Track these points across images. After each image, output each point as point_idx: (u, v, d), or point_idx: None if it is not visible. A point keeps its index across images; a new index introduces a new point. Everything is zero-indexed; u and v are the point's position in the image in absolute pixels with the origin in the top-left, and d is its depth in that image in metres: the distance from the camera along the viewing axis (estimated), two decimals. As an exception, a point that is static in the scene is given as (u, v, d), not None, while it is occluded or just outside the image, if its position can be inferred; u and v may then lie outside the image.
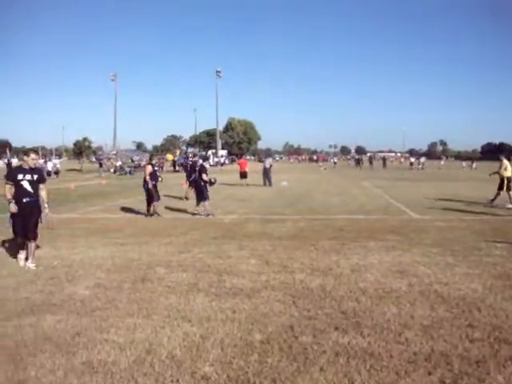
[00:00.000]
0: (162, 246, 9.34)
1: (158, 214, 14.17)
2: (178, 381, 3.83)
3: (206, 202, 14.07)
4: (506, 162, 16.84)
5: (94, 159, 76.84)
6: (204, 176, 14.03)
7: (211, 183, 14.52)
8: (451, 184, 29.00)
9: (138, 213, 14.90)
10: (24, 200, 7.80)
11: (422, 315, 5.35)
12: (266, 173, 27.93)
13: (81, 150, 68.09)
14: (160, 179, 14.97)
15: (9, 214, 7.89)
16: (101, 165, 49.79)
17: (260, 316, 5.33)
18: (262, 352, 4.37)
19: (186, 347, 4.49)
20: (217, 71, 71.25)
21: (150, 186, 14.15)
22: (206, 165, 15.53)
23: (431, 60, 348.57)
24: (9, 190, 7.79)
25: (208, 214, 13.97)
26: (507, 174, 16.56)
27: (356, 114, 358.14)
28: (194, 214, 14.21)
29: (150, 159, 16.02)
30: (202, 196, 14.04)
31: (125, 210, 15.90)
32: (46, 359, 4.25)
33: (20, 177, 7.84)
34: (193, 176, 15.17)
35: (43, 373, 3.98)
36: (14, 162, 63.04)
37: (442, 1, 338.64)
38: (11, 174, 8.02)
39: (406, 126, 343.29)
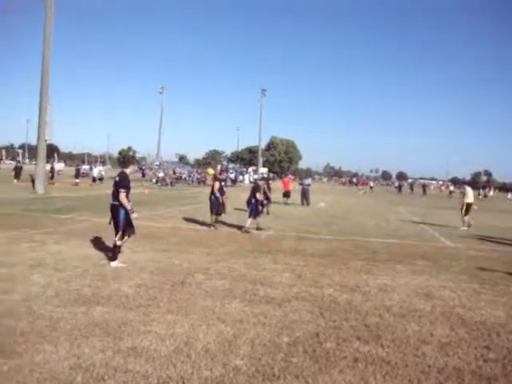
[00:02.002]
0: (201, 255, 9.89)
1: (214, 226, 14.60)
2: (211, 369, 4.33)
3: (251, 219, 14.59)
4: None
5: (137, 169, 78.70)
6: (258, 195, 14.67)
7: (262, 205, 14.97)
8: (491, 215, 28.76)
9: (180, 222, 15.55)
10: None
11: (442, 334, 5.69)
12: (305, 193, 28.34)
13: (125, 159, 70.10)
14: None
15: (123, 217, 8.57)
16: (143, 175, 51.04)
17: (289, 322, 5.79)
18: (288, 352, 4.83)
19: (219, 343, 4.99)
20: (262, 90, 72.36)
21: (220, 199, 14.68)
22: (260, 182, 15.86)
23: (478, 86, 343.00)
24: (125, 198, 8.55)
25: (259, 228, 14.67)
26: None
27: (399, 138, 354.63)
28: (246, 231, 14.34)
29: (219, 174, 16.09)
30: (252, 213, 14.62)
31: (167, 219, 16.57)
32: (96, 341, 4.83)
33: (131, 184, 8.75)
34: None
35: (95, 351, 4.58)
36: (61, 166, 65.41)
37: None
38: (127, 181, 8.72)
39: (450, 153, 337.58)
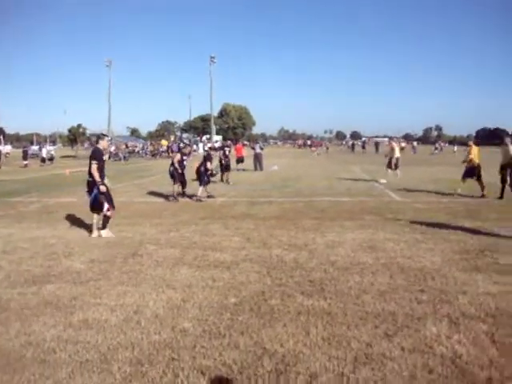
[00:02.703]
0: (153, 227, 10.00)
1: (175, 198, 14.60)
2: (160, 333, 4.52)
3: (202, 188, 14.68)
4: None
5: (88, 146, 77.06)
6: (208, 164, 14.75)
7: (212, 174, 15.07)
8: (440, 168, 29.70)
9: (133, 196, 15.52)
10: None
11: (381, 283, 6.03)
12: (257, 157, 28.58)
13: (75, 136, 68.45)
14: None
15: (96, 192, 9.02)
16: (93, 151, 50.05)
17: (236, 284, 6.02)
18: (235, 312, 5.06)
19: (168, 308, 5.18)
20: (211, 57, 71.22)
21: (179, 171, 14.75)
22: (215, 152, 15.86)
23: (427, 45, 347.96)
24: (97, 170, 9.00)
25: (210, 196, 14.96)
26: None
27: (352, 99, 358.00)
28: (199, 200, 14.46)
29: (183, 148, 16.29)
30: (203, 181, 14.70)
31: (120, 193, 16.46)
32: (47, 318, 4.93)
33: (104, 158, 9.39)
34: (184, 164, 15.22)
35: (46, 328, 4.68)
36: (8, 148, 63.29)
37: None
38: (99, 154, 9.31)
39: (401, 111, 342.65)
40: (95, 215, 9.27)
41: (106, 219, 9.09)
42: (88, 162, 9.25)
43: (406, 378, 3.64)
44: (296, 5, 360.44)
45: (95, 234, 9.11)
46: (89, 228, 9.63)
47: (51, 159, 43.08)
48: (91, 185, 9.12)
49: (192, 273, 6.52)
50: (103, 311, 5.12)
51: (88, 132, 75.23)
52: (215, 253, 7.63)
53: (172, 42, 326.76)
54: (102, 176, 9.10)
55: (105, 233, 9.03)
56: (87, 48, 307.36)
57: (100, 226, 9.20)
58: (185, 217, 11.34)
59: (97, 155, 9.21)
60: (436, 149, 69.83)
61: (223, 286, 5.95)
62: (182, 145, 23.12)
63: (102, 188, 9.04)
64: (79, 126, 70.07)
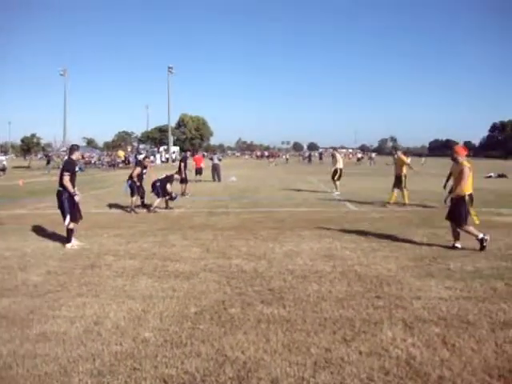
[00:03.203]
0: (111, 238, 9.91)
1: (133, 210, 14.45)
2: (121, 343, 4.51)
3: (159, 199, 14.60)
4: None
5: (42, 156, 75.34)
6: (168, 186, 14.70)
7: (171, 198, 14.95)
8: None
9: (90, 207, 15.28)
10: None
11: (339, 290, 6.18)
12: (215, 168, 28.60)
13: (29, 146, 66.85)
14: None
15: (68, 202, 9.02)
16: (48, 161, 48.92)
17: (196, 293, 6.05)
18: (195, 321, 5.10)
19: (129, 319, 5.17)
20: (169, 67, 71.20)
21: (137, 184, 14.65)
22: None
23: (382, 58, 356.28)
24: (69, 181, 9.01)
25: (168, 207, 15.02)
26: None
27: (309, 110, 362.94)
28: (154, 211, 14.37)
29: (142, 160, 16.20)
30: (159, 193, 14.58)
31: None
32: (2, 332, 4.84)
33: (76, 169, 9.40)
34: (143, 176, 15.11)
35: (1, 342, 4.59)
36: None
37: None
38: (71, 165, 9.38)
39: (357, 122, 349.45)
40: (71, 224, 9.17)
41: (70, 232, 9.02)
42: (59, 173, 9.32)
43: (364, 380, 3.76)
44: (254, 14, 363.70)
45: (73, 243, 9.10)
46: (53, 239, 9.61)
47: (3, 169, 41.85)
48: (60, 195, 9.10)
49: (152, 283, 6.52)
50: (62, 323, 5.06)
51: (42, 142, 73.82)
52: (175, 263, 7.63)
53: (129, 51, 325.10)
54: (73, 187, 9.12)
55: (69, 246, 8.94)
56: (42, 56, 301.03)
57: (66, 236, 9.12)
58: (143, 228, 11.27)
59: (69, 167, 9.23)
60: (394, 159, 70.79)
61: (183, 295, 5.97)
62: (141, 156, 22.88)
63: (77, 198, 9.14)
64: (33, 135, 68.47)
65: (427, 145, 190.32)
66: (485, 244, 8.45)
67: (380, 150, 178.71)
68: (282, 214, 13.36)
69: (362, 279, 6.68)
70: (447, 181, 9.56)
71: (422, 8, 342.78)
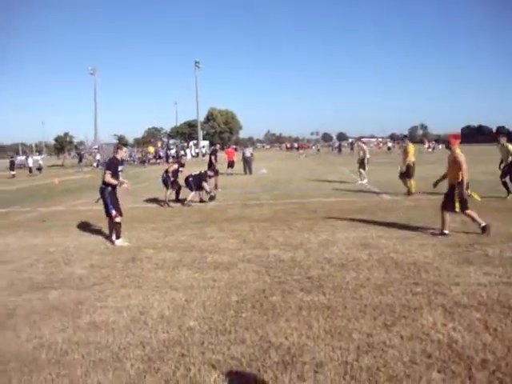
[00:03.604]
0: (149, 231, 10.15)
1: (168, 204, 14.68)
2: (167, 332, 4.69)
3: (193, 193, 14.89)
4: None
5: (75, 154, 76.71)
6: (206, 185, 15.19)
7: (211, 197, 15.21)
8: (428, 166, 30.04)
9: (125, 202, 15.56)
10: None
11: (377, 277, 6.24)
12: (247, 161, 28.74)
13: (62, 145, 68.14)
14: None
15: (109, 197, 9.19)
16: (80, 159, 49.82)
17: (237, 283, 6.20)
18: (238, 309, 5.24)
19: (173, 309, 5.35)
20: (195, 62, 71.51)
21: (171, 179, 14.94)
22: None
23: (411, 46, 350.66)
24: (111, 178, 9.20)
25: (202, 201, 15.31)
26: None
27: (338, 100, 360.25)
28: (188, 204, 14.65)
29: (179, 158, 16.52)
30: (192, 187, 14.95)
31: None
32: (55, 322, 5.09)
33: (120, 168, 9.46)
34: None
35: (56, 331, 4.84)
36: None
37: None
38: (114, 164, 9.42)
39: (386, 110, 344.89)
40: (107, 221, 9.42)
41: (118, 227, 9.09)
42: (103, 171, 9.49)
43: (407, 363, 3.84)
44: (284, 8, 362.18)
45: (118, 241, 9.09)
46: (93, 234, 9.90)
47: (39, 169, 42.91)
48: (102, 191, 9.20)
49: (192, 274, 6.69)
50: (110, 313, 5.27)
51: (75, 141, 75.14)
52: (213, 255, 7.79)
53: (157, 47, 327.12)
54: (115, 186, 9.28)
55: (119, 242, 8.99)
56: (70, 56, 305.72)
57: (113, 235, 9.21)
58: (178, 221, 11.47)
59: (111, 165, 9.36)
60: (429, 147, 69.84)
61: (224, 285, 6.12)
62: (172, 152, 23.16)
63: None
64: (66, 134, 69.77)
65: (459, 131, 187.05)
66: (486, 230, 8.59)
67: (411, 137, 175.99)
68: (314, 205, 13.41)
69: (400, 266, 6.72)
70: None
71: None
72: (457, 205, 8.71)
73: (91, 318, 5.14)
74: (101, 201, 9.33)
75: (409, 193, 14.88)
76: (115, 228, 9.09)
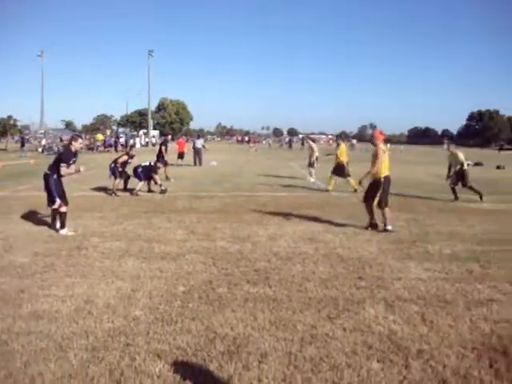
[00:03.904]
0: (95, 220, 9.97)
1: (116, 193, 14.44)
2: (112, 321, 4.64)
3: (141, 183, 14.76)
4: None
5: (19, 138, 74.15)
6: (157, 178, 15.18)
7: (162, 191, 14.95)
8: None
9: (71, 190, 15.20)
10: None
11: (322, 271, 6.38)
12: (197, 153, 28.60)
13: (5, 128, 65.71)
14: None
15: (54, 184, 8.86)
16: (23, 144, 48.11)
17: (184, 273, 6.20)
18: (184, 300, 5.25)
19: (119, 298, 5.29)
20: (149, 51, 70.51)
21: (119, 169, 14.80)
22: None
23: (361, 43, 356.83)
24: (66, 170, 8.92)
25: (150, 191, 15.18)
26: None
27: (289, 96, 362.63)
28: (136, 194, 14.51)
29: (130, 150, 16.13)
30: (141, 177, 14.86)
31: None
32: (-5, 311, 4.92)
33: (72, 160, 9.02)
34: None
35: (-6, 320, 4.68)
36: None
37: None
38: (67, 156, 9.03)
39: (337, 109, 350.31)
40: (49, 209, 9.13)
41: (64, 216, 8.81)
42: (54, 159, 9.21)
43: (349, 354, 3.96)
44: None
45: (63, 231, 8.80)
46: (37, 222, 9.66)
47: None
48: (47, 178, 8.86)
49: (139, 264, 6.64)
50: (53, 302, 5.16)
51: (19, 124, 72.64)
52: (160, 245, 7.75)
53: (109, 33, 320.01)
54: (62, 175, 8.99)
55: (64, 231, 8.71)
56: (18, 37, 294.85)
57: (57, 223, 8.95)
58: (126, 211, 11.32)
59: (64, 157, 8.97)
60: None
61: (171, 276, 6.11)
62: (122, 140, 22.76)
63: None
64: (9, 117, 67.31)
65: (406, 132, 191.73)
66: (387, 228, 9.01)
67: (360, 136, 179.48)
68: (264, 199, 13.52)
69: (345, 261, 6.89)
70: None
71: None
72: (376, 199, 9.18)
73: (33, 307, 5.01)
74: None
75: (355, 190, 15.19)
76: (60, 217, 8.85)
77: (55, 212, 8.97)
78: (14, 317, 4.76)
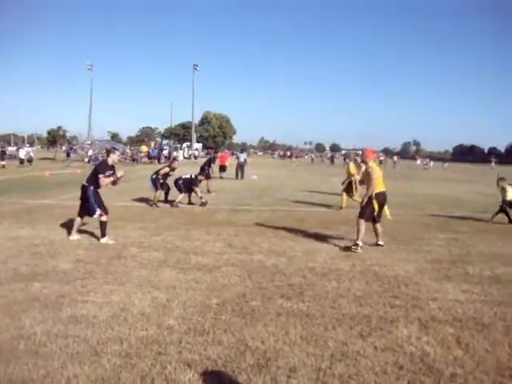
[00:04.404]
0: (135, 230, 10.19)
1: (156, 204, 14.69)
2: (146, 329, 4.75)
3: (182, 195, 14.99)
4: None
5: (67, 148, 76.37)
6: (197, 190, 15.31)
7: (202, 203, 15.09)
8: (418, 183, 30.33)
9: (113, 199, 15.58)
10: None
11: (357, 288, 6.34)
12: (240, 167, 28.85)
13: (55, 138, 67.77)
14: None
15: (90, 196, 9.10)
16: (68, 154, 49.34)
17: (218, 286, 6.27)
18: (218, 311, 5.32)
19: (154, 307, 5.41)
20: (194, 65, 71.61)
21: (160, 181, 15.01)
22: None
23: (406, 60, 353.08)
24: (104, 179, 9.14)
25: (191, 203, 15.37)
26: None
27: (333, 112, 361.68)
28: (176, 205, 14.73)
29: (172, 162, 16.39)
30: (181, 189, 15.15)
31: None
32: (36, 313, 5.12)
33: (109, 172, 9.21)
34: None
35: (36, 322, 4.87)
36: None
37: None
38: (103, 168, 9.27)
39: (380, 124, 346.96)
40: (78, 219, 9.34)
41: (104, 226, 9.00)
42: (92, 170, 9.41)
43: (378, 373, 3.93)
44: (282, 16, 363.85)
45: (75, 237, 9.15)
46: (80, 229, 9.79)
47: (30, 161, 42.56)
48: (85, 189, 9.10)
49: (175, 274, 6.76)
50: (91, 308, 5.32)
51: (68, 135, 74.85)
52: (197, 256, 7.86)
53: (156, 47, 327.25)
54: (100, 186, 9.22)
55: (105, 240, 8.90)
56: (68, 50, 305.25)
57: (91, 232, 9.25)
58: (166, 222, 11.53)
59: (100, 168, 9.22)
60: (426, 164, 70.48)
61: (206, 287, 6.19)
62: (165, 152, 23.15)
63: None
64: (59, 128, 69.46)
65: (451, 150, 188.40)
66: (353, 249, 8.68)
67: (403, 153, 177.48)
68: (302, 214, 13.53)
69: (380, 279, 6.83)
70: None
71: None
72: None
73: (72, 312, 5.19)
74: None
75: (340, 207, 15.14)
76: (101, 226, 9.04)
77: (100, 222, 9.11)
78: (54, 320, 4.95)
